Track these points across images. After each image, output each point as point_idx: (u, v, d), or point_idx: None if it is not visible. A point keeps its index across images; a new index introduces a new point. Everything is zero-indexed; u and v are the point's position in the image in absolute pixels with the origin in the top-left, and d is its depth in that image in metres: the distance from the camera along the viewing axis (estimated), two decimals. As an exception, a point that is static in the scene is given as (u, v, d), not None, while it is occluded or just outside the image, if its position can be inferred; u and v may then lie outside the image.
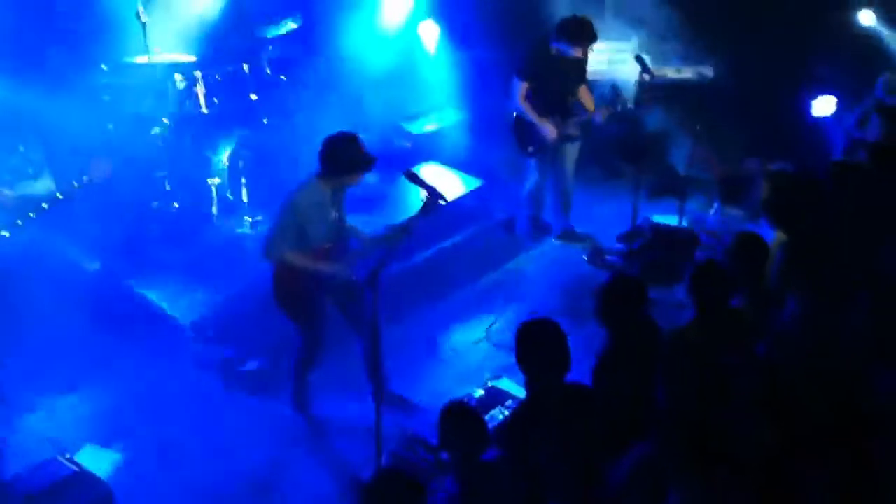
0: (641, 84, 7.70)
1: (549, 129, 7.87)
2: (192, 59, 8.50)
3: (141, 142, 8.11)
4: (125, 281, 7.38)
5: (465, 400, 5.49)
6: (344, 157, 5.63)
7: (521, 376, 4.58)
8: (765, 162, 8.11)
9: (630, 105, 7.89)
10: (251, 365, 6.78)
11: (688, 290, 5.10)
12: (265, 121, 8.53)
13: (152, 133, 8.10)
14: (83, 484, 5.25)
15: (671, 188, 8.67)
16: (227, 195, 8.13)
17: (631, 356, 4.79)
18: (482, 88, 9.54)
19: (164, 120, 8.15)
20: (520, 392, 5.58)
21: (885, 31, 8.82)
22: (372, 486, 4.02)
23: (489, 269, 8.05)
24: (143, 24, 7.95)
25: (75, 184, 5.15)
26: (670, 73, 8.99)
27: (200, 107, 8.29)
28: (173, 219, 8.02)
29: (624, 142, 8.93)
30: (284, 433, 6.19)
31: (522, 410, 4.61)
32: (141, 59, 8.19)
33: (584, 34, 7.60)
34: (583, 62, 7.88)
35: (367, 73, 9.14)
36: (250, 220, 8.00)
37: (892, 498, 4.05)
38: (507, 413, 5.62)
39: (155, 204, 8.11)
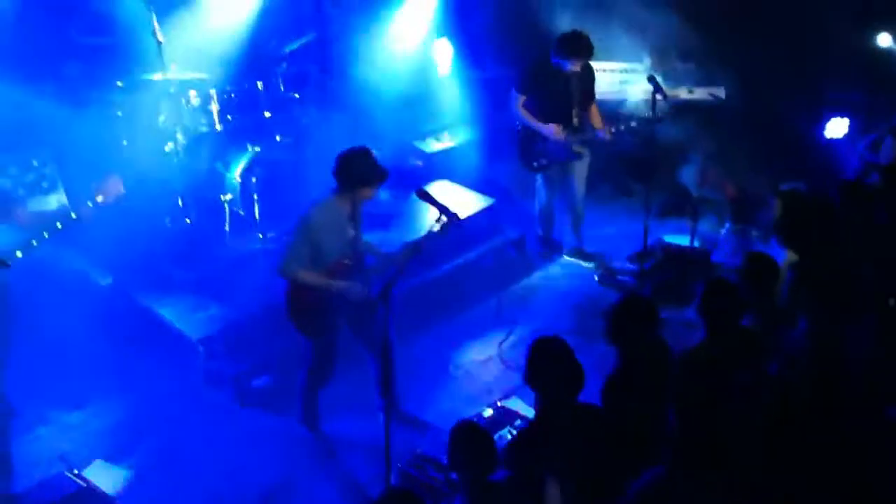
0: (654, 104, 7.68)
1: (552, 130, 7.87)
2: (207, 76, 8.54)
3: (154, 158, 8.15)
4: (137, 296, 7.40)
5: (475, 419, 5.49)
6: (357, 170, 5.65)
7: (531, 396, 4.57)
8: (776, 182, 8.09)
9: (635, 124, 7.87)
10: (261, 381, 6.79)
11: (699, 310, 5.09)
12: (278, 138, 8.56)
13: (166, 149, 8.13)
14: (91, 500, 5.27)
15: (683, 208, 8.66)
16: (240, 212, 8.15)
17: (642, 376, 4.78)
18: (494, 107, 9.58)
19: (178, 136, 8.19)
20: (529, 412, 5.56)
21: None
22: (381, 505, 4.02)
23: (500, 287, 8.05)
24: (159, 42, 8.01)
25: (89, 204, 5.16)
26: (683, 93, 9.00)
27: (214, 123, 8.33)
28: (185, 235, 8.03)
29: (635, 161, 8.92)
30: (294, 450, 6.17)
31: (531, 430, 4.59)
32: (156, 76, 8.25)
33: (580, 48, 7.64)
34: (589, 80, 7.89)
35: (380, 91, 9.17)
36: (262, 236, 8.01)
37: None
38: (515, 433, 5.59)
39: (167, 220, 8.13)
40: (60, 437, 6.23)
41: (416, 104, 9.81)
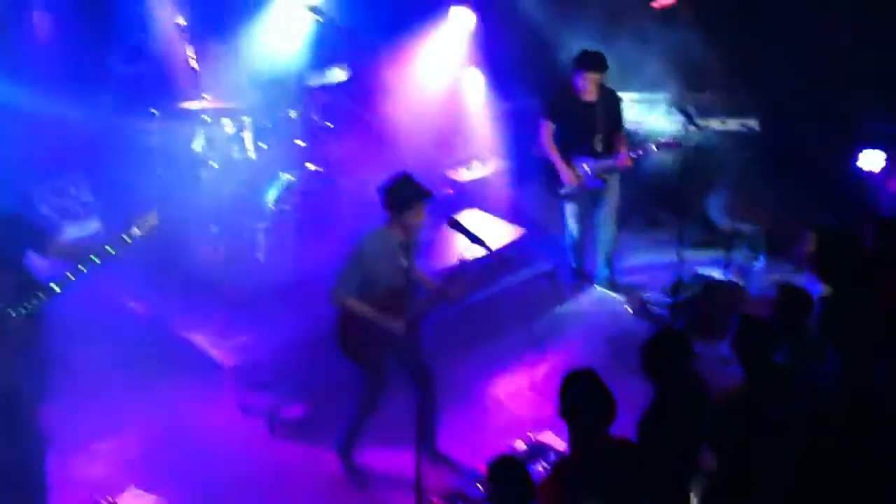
0: (685, 134, 7.67)
1: (568, 176, 7.91)
2: (242, 105, 8.63)
3: (189, 185, 8.23)
4: (170, 323, 7.44)
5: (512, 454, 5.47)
6: (401, 193, 5.66)
7: (563, 428, 4.54)
8: (811, 215, 8.03)
9: (656, 147, 7.86)
10: (295, 411, 6.79)
11: (733, 346, 5.06)
12: (311, 167, 8.62)
13: (200, 177, 8.20)
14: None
15: (716, 240, 8.61)
16: (273, 240, 8.19)
17: (677, 411, 4.75)
18: (524, 137, 9.59)
19: (213, 164, 8.27)
20: (562, 445, 5.53)
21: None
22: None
23: (531, 318, 8.01)
24: (194, 71, 8.12)
25: (126, 239, 5.19)
26: (715, 124, 8.96)
27: (248, 152, 8.42)
28: (219, 263, 8.09)
29: (668, 192, 8.90)
30: (326, 480, 6.17)
31: (564, 464, 4.56)
32: (191, 105, 8.35)
33: (589, 61, 7.69)
34: (614, 108, 7.89)
35: (411, 120, 9.23)
36: (295, 265, 8.05)
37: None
38: (548, 467, 5.56)
39: (201, 247, 8.19)
40: (94, 465, 6.24)
41: (448, 133, 9.85)
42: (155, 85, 8.87)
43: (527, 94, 10.04)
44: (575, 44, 8.42)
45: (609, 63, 7.89)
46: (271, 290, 7.69)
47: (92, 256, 5.08)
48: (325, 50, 9.50)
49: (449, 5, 9.92)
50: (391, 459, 6.18)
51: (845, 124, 8.84)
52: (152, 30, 8.91)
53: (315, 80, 9.19)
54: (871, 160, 8.46)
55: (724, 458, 4.89)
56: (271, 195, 8.24)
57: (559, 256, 8.54)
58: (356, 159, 8.89)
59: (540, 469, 5.64)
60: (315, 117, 8.96)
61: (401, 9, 9.70)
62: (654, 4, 9.20)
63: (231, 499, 5.92)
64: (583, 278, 8.56)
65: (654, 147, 7.82)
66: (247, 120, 8.43)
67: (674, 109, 9.01)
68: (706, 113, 8.91)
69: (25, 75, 7.96)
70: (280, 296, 7.59)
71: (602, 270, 8.45)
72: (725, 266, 8.14)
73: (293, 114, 8.75)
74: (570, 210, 8.26)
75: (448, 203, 8.99)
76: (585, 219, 8.29)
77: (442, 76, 9.92)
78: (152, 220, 5.29)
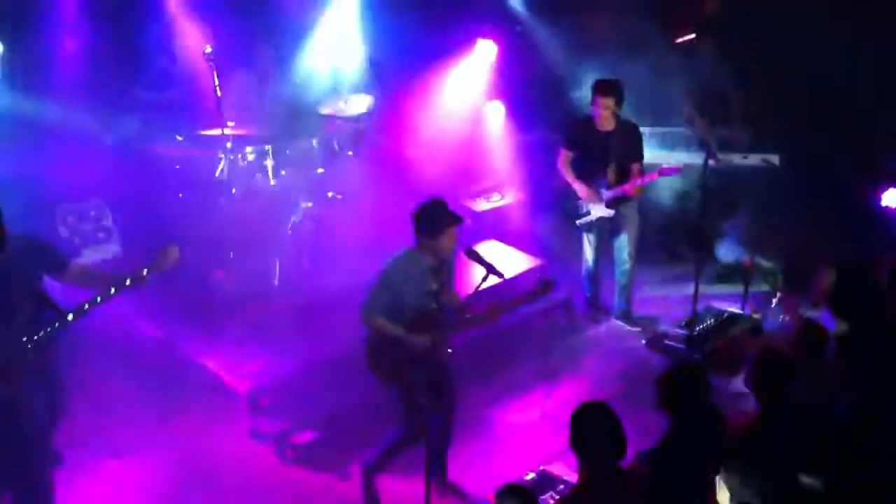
0: (706, 169, 7.66)
1: (581, 191, 7.93)
2: (264, 133, 8.71)
3: (209, 211, 8.29)
4: (184, 348, 7.45)
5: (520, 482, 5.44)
6: (433, 218, 5.66)
7: (575, 460, 4.51)
8: (830, 251, 7.97)
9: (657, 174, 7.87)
10: (305, 436, 6.77)
11: (748, 380, 5.02)
12: (330, 194, 8.67)
13: (220, 203, 8.27)
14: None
15: (734, 274, 8.57)
16: (290, 266, 8.23)
17: (691, 443, 4.71)
18: (543, 168, 9.62)
19: (234, 190, 8.33)
20: (573, 476, 5.48)
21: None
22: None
23: (546, 348, 7.97)
24: (218, 97, 8.21)
25: (145, 272, 5.22)
26: (736, 158, 8.95)
27: (269, 179, 8.48)
28: (235, 288, 8.12)
29: (686, 226, 8.88)
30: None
31: (574, 496, 4.52)
32: (214, 131, 8.44)
33: (601, 86, 7.73)
34: (631, 139, 7.88)
35: (431, 150, 9.27)
36: (310, 292, 8.07)
37: None
38: (558, 498, 5.52)
39: (217, 272, 8.23)
40: (104, 488, 6.23)
41: (467, 164, 9.90)
42: (179, 111, 8.97)
43: (546, 126, 10.09)
44: (595, 77, 8.45)
45: (630, 97, 7.92)
46: (285, 315, 7.70)
47: (111, 288, 5.10)
48: (347, 80, 9.61)
49: (475, 38, 10.02)
50: (401, 487, 6.14)
51: (867, 161, 8.79)
52: (178, 57, 9.05)
53: (337, 110, 9.26)
54: (893, 197, 8.40)
55: (736, 491, 4.86)
56: (290, 222, 8.28)
57: (576, 287, 8.50)
58: (376, 188, 8.93)
59: (550, 501, 5.59)
60: (336, 146, 9.02)
61: (426, 40, 9.80)
62: (677, 40, 9.21)
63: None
64: (598, 309, 8.54)
65: (657, 174, 7.80)
66: (268, 148, 8.50)
67: (695, 144, 9.04)
68: (727, 147, 8.91)
69: (50, 99, 8.08)
70: (294, 322, 7.59)
71: (618, 302, 8.42)
72: (743, 300, 8.09)
73: (314, 142, 8.82)
74: (587, 241, 8.26)
75: (466, 233, 8.99)
76: (602, 250, 8.28)
77: (463, 107, 9.98)
78: (173, 255, 5.31)
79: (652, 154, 8.61)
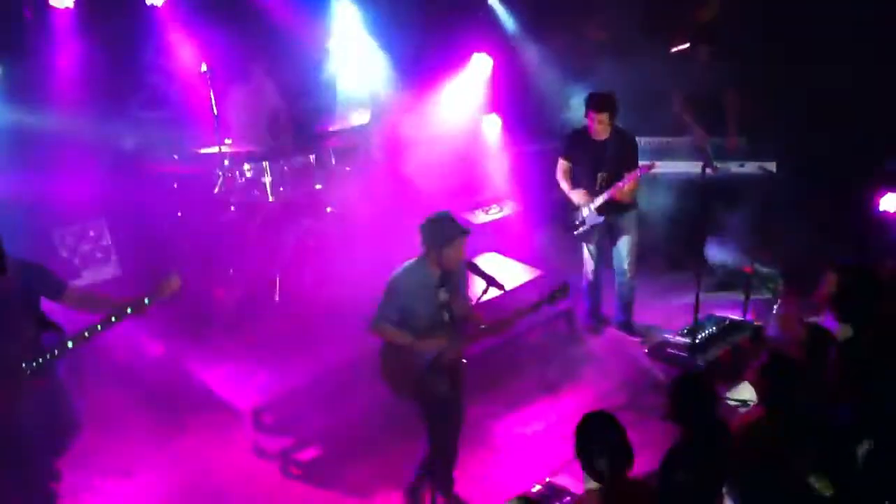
0: (703, 177, 7.67)
1: (576, 196, 7.97)
2: (261, 149, 8.73)
3: (208, 228, 8.29)
4: (187, 365, 7.44)
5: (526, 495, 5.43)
6: (440, 230, 5.63)
7: (580, 471, 4.49)
8: (831, 256, 7.97)
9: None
10: (310, 452, 6.75)
11: (755, 385, 5.00)
12: (329, 209, 8.68)
13: (219, 220, 8.27)
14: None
15: (735, 281, 8.57)
16: (291, 282, 8.23)
17: (701, 454, 4.69)
18: (542, 180, 9.64)
19: (232, 208, 8.33)
20: (579, 488, 5.46)
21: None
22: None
23: (547, 360, 7.97)
24: (215, 116, 8.23)
25: (146, 300, 5.22)
26: (733, 166, 8.96)
27: (267, 195, 8.48)
28: (235, 305, 8.12)
29: (686, 234, 8.90)
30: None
31: (580, 506, 4.51)
32: (211, 150, 8.45)
33: (594, 102, 7.72)
34: (625, 148, 7.86)
35: (429, 164, 9.28)
36: (311, 308, 8.07)
37: None
38: (565, 510, 5.51)
39: (219, 290, 8.23)
40: (107, 506, 6.23)
41: (465, 176, 9.91)
42: (176, 130, 8.99)
43: (543, 137, 10.12)
44: (592, 88, 8.47)
45: (626, 107, 7.92)
46: (287, 332, 7.70)
47: (112, 316, 5.10)
48: (343, 96, 9.64)
49: (471, 52, 10.05)
50: (403, 500, 6.12)
51: (865, 166, 8.80)
52: (174, 76, 9.07)
53: (333, 125, 9.29)
54: (892, 202, 8.41)
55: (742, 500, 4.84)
56: (289, 238, 8.28)
57: (576, 298, 8.48)
58: (374, 203, 8.94)
59: (556, 513, 5.58)
60: (332, 161, 9.04)
61: (422, 54, 9.84)
62: (672, 50, 9.23)
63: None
64: (599, 319, 8.53)
65: (636, 174, 7.76)
66: (266, 164, 8.50)
67: (692, 153, 9.05)
68: (724, 156, 8.92)
69: (47, 120, 8.08)
70: (295, 337, 7.59)
71: (619, 312, 8.41)
72: (744, 307, 8.09)
73: (312, 158, 8.83)
74: (586, 251, 8.25)
75: (466, 246, 8.99)
76: (602, 260, 8.27)
77: (461, 121, 10.00)
78: (174, 284, 5.31)
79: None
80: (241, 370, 7.30)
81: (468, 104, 10.18)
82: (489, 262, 8.58)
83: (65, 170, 7.99)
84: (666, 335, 7.97)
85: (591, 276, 8.33)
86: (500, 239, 9.39)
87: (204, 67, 8.24)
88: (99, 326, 5.08)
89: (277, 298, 8.24)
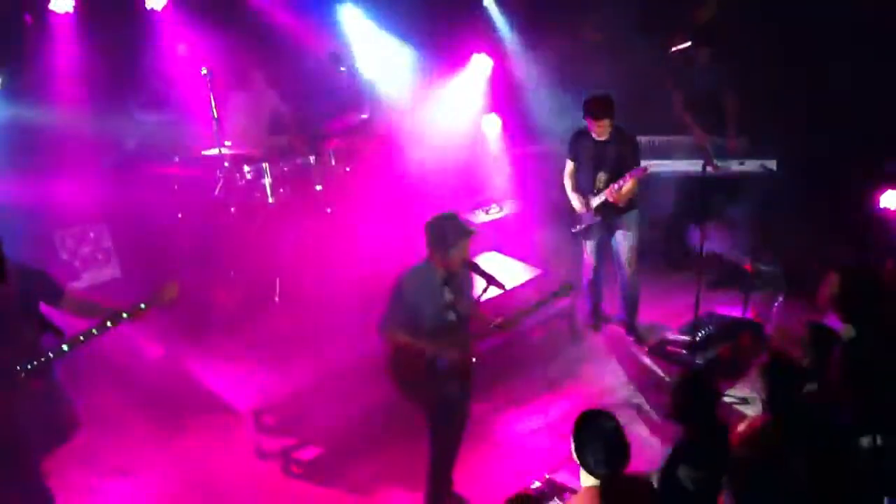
0: (704, 175, 7.67)
1: (574, 201, 7.97)
2: (261, 151, 8.74)
3: (208, 230, 8.31)
4: (187, 366, 7.45)
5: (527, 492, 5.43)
6: (445, 231, 5.64)
7: (578, 469, 4.50)
8: (832, 255, 7.97)
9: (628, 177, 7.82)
10: (311, 452, 6.76)
11: (758, 385, 5.00)
12: (329, 210, 8.69)
13: (219, 222, 8.29)
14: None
15: (735, 279, 8.56)
16: (291, 283, 8.24)
17: (703, 452, 4.69)
18: (542, 180, 9.65)
19: (232, 209, 8.35)
20: (578, 485, 5.46)
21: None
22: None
23: (548, 358, 7.98)
24: (215, 118, 8.25)
25: (143, 306, 5.25)
26: (733, 165, 8.97)
27: (267, 197, 8.50)
28: (236, 306, 8.13)
29: (686, 231, 8.91)
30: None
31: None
32: (212, 152, 8.47)
33: (590, 109, 7.66)
34: (625, 148, 7.82)
35: (429, 164, 9.30)
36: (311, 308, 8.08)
37: None
38: (563, 506, 5.51)
39: (219, 291, 8.24)
40: (108, 507, 6.25)
41: (466, 177, 9.92)
42: (176, 132, 9.02)
43: (543, 139, 10.13)
44: (593, 87, 8.48)
45: (626, 107, 7.90)
46: (288, 332, 7.71)
47: (107, 321, 5.13)
48: (345, 96, 9.65)
49: (470, 52, 10.07)
50: (405, 501, 6.15)
51: (865, 164, 8.79)
52: (174, 79, 9.09)
53: (333, 126, 9.30)
54: (892, 200, 8.41)
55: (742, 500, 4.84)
56: (290, 239, 8.29)
57: (576, 297, 8.47)
58: (374, 203, 8.95)
59: (555, 510, 5.58)
60: (333, 162, 9.05)
61: (422, 54, 9.86)
62: (672, 49, 9.24)
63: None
64: (600, 318, 8.53)
65: (628, 177, 7.74)
66: (266, 165, 8.52)
67: (692, 152, 9.05)
68: (724, 154, 8.93)
69: (48, 123, 8.11)
70: (297, 338, 7.60)
71: (623, 312, 8.39)
72: (744, 305, 8.08)
73: (312, 159, 8.84)
74: (587, 249, 8.24)
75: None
76: (602, 259, 8.26)
77: (461, 121, 10.01)
78: (171, 292, 5.33)
79: (648, 163, 8.60)
80: (242, 371, 7.31)
81: (468, 104, 10.19)
82: (489, 261, 8.58)
83: (65, 172, 8.01)
84: (666, 333, 7.98)
85: (591, 275, 8.32)
86: (501, 238, 9.39)
87: (204, 70, 8.26)
88: (95, 331, 5.11)
89: (277, 299, 8.25)
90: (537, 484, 5.87)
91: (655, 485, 4.66)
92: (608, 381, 7.66)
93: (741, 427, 5.04)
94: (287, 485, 6.55)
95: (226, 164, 8.46)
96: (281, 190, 8.58)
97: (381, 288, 5.89)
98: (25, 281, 5.12)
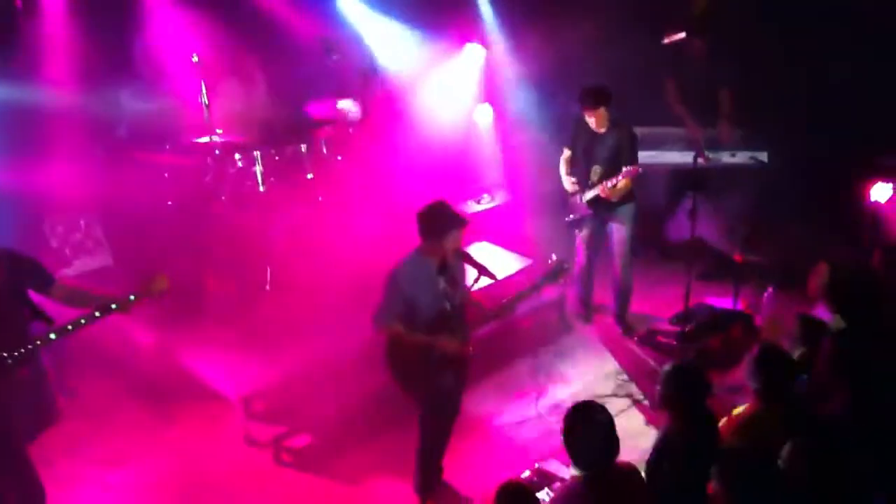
0: (695, 167, 7.68)
1: (567, 183, 7.98)
2: (252, 139, 8.71)
3: (199, 218, 8.28)
4: (177, 355, 7.42)
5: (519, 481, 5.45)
6: (438, 220, 5.64)
7: (568, 458, 4.51)
8: (820, 246, 8.00)
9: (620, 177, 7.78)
10: (301, 440, 6.77)
11: (750, 376, 5.00)
12: (320, 199, 8.67)
13: (210, 210, 8.26)
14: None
15: (726, 271, 8.58)
16: (282, 272, 8.23)
17: (691, 442, 4.70)
18: (534, 170, 9.65)
19: (223, 198, 8.32)
20: (568, 474, 5.48)
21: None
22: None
23: (537, 348, 7.99)
24: (206, 106, 8.22)
25: (132, 298, 5.24)
26: (725, 156, 8.98)
27: (259, 185, 8.48)
28: (228, 294, 8.12)
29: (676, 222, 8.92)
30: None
31: (566, 493, 4.52)
32: (202, 139, 8.44)
33: (583, 99, 7.65)
34: (622, 141, 7.78)
35: (420, 153, 9.29)
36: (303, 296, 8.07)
37: None
38: (552, 495, 5.52)
39: (210, 279, 8.22)
40: (100, 496, 6.23)
41: (457, 166, 9.91)
42: (167, 120, 8.98)
43: (535, 128, 10.12)
44: (586, 77, 8.46)
45: (618, 97, 7.87)
46: (279, 321, 7.70)
47: (95, 312, 5.12)
48: (336, 84, 9.62)
49: (463, 41, 10.05)
50: (396, 488, 6.16)
51: (856, 156, 8.82)
52: (165, 66, 9.04)
53: (325, 115, 9.27)
54: (881, 192, 8.44)
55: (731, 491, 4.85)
56: (281, 227, 8.27)
57: (567, 287, 8.47)
58: (365, 192, 8.94)
59: (546, 498, 5.59)
60: (324, 150, 9.03)
61: (415, 43, 9.83)
62: (665, 40, 9.22)
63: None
64: (590, 308, 8.54)
65: (621, 176, 7.73)
66: (257, 154, 8.49)
67: (684, 143, 9.06)
68: (716, 146, 8.93)
69: (38, 110, 8.07)
70: (287, 327, 7.59)
71: (615, 305, 8.39)
72: (734, 296, 8.10)
73: (303, 148, 8.81)
74: (579, 240, 8.24)
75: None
76: (595, 250, 8.25)
77: (453, 110, 9.99)
78: (161, 284, 5.32)
79: (640, 153, 8.61)
80: (233, 359, 7.27)
81: (461, 94, 10.17)
82: (481, 251, 8.59)
83: (56, 159, 7.97)
84: (656, 323, 8.00)
85: (583, 265, 8.32)
86: (492, 229, 9.39)
87: (195, 58, 8.23)
88: (83, 320, 5.11)
89: (269, 288, 8.23)
90: (527, 473, 5.90)
91: (644, 475, 4.67)
92: (598, 371, 7.67)
93: (732, 417, 5.07)
94: (277, 473, 6.55)
95: (217, 151, 8.43)
96: (272, 178, 8.55)
97: (372, 277, 5.89)
98: (15, 268, 5.11)
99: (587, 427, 4.36)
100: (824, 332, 5.32)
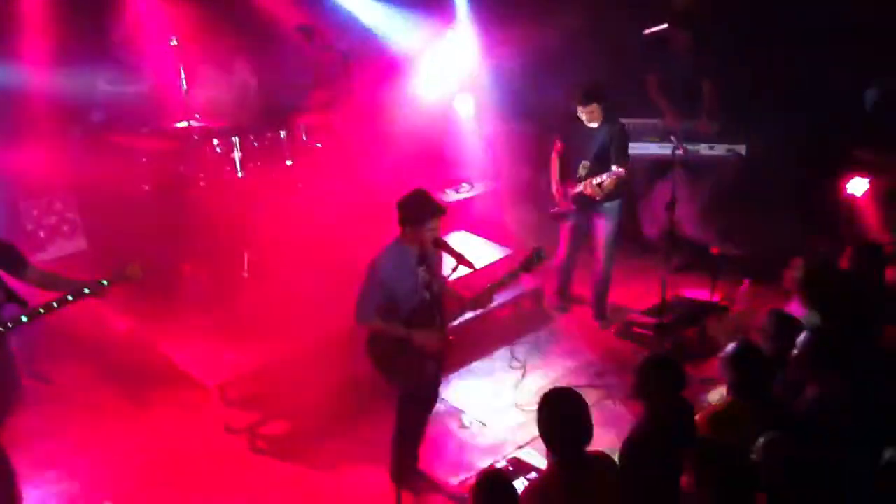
0: (673, 160, 7.71)
1: (553, 185, 8.00)
2: (231, 124, 8.65)
3: (177, 204, 8.22)
4: (153, 342, 7.39)
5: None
6: (417, 208, 5.62)
7: (544, 447, 4.53)
8: (796, 239, 8.05)
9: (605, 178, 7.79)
10: (277, 427, 6.77)
11: (726, 371, 5.03)
12: (300, 186, 8.63)
13: (188, 195, 8.20)
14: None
15: (702, 263, 8.63)
16: (259, 259, 8.19)
17: (666, 433, 4.72)
18: (514, 159, 9.65)
19: (201, 183, 8.27)
20: (543, 463, 5.51)
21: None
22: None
23: (514, 338, 8.02)
24: (185, 90, 8.15)
25: (105, 283, 5.23)
26: (703, 148, 9.01)
27: (237, 171, 8.42)
28: (205, 280, 8.07)
29: (653, 215, 8.95)
30: (307, 498, 6.12)
31: (541, 481, 4.54)
32: (180, 124, 8.37)
33: (579, 97, 7.64)
34: (613, 139, 7.77)
35: (401, 141, 9.26)
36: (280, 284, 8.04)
37: None
38: (528, 483, 5.55)
39: (186, 266, 8.18)
40: (71, 480, 6.20)
41: (437, 155, 9.90)
42: (145, 104, 8.90)
43: (518, 117, 10.12)
44: (568, 67, 8.46)
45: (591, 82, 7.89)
46: (255, 308, 7.66)
47: (68, 295, 5.11)
48: (315, 70, 9.56)
49: (444, 29, 10.01)
50: (371, 476, 6.16)
51: (832, 150, 8.88)
52: (143, 50, 8.95)
53: (304, 101, 9.22)
54: (858, 186, 8.52)
55: (703, 482, 4.87)
56: (259, 214, 8.23)
57: (545, 278, 8.50)
58: (344, 180, 8.90)
59: (521, 487, 5.61)
60: (304, 136, 8.99)
61: (396, 30, 9.79)
62: (646, 32, 9.24)
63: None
64: (567, 299, 8.56)
65: (605, 176, 7.71)
66: (236, 139, 8.43)
67: (662, 134, 9.08)
68: (695, 138, 8.96)
69: (14, 92, 7.98)
70: (264, 314, 7.56)
71: (593, 298, 8.40)
72: (711, 289, 8.15)
73: (282, 134, 8.76)
74: (562, 232, 8.25)
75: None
76: (576, 242, 8.26)
77: (434, 98, 9.96)
78: (135, 272, 5.31)
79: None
80: (209, 346, 7.24)
81: (441, 82, 10.14)
82: (459, 241, 8.59)
83: (32, 142, 7.88)
84: (632, 315, 8.03)
85: (563, 256, 8.33)
86: (471, 218, 9.39)
87: (174, 41, 8.16)
88: (55, 304, 5.12)
89: (246, 275, 8.20)
90: (503, 462, 5.93)
91: (618, 464, 4.70)
92: (575, 361, 7.71)
93: (707, 409, 5.11)
94: (253, 460, 6.54)
95: (195, 136, 8.36)
96: (251, 164, 8.49)
97: (350, 265, 5.88)
98: None
99: (562, 414, 4.40)
100: (796, 328, 5.35)
